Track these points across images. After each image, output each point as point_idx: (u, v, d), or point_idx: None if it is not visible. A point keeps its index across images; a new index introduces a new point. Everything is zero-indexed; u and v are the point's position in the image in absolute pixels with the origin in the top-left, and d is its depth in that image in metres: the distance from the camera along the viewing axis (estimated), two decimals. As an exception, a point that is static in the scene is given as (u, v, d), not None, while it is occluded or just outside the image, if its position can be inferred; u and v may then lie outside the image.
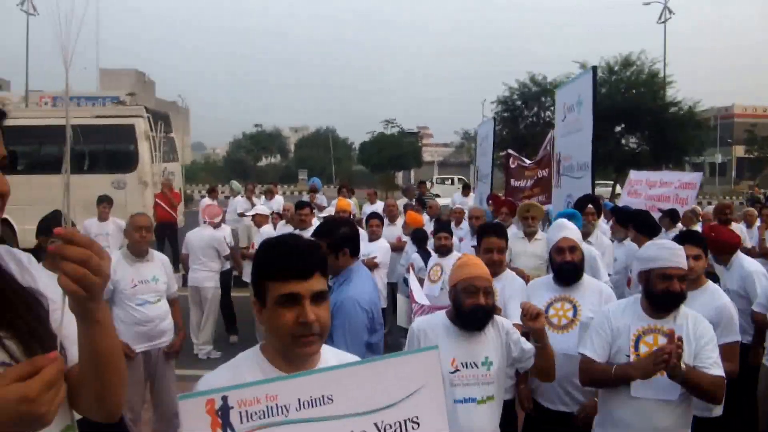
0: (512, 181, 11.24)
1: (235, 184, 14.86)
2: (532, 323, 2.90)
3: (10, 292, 1.29)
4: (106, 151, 14.86)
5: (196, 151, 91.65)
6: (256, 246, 8.05)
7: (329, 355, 1.84)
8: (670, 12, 39.49)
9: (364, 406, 1.53)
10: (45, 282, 1.41)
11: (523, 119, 30.32)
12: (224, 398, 1.43)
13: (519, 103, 30.03)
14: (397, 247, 7.90)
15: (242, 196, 13.50)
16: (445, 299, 5.58)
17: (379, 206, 12.02)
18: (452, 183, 39.39)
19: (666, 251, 3.10)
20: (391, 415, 1.55)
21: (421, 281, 6.12)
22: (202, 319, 7.93)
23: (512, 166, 11.41)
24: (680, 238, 3.94)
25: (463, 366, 2.97)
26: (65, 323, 1.36)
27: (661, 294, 3.03)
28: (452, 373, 2.96)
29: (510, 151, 12.54)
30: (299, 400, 1.49)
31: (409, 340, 3.22)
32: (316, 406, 1.50)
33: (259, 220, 8.59)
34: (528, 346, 3.03)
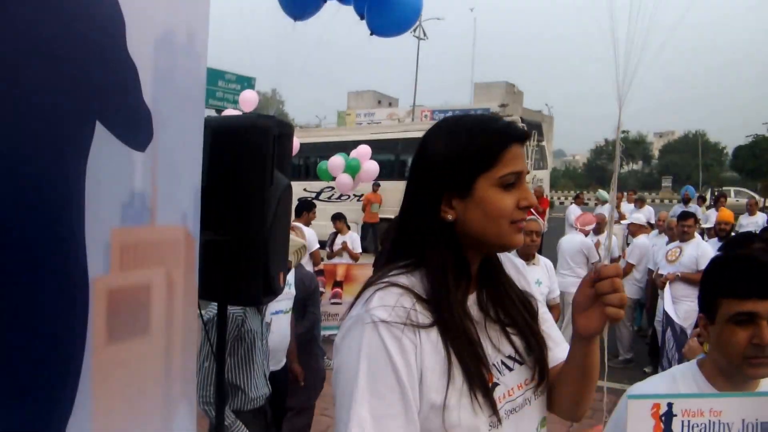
0: None
1: (602, 192, 14.65)
2: None
3: (513, 294, 1.46)
4: None
5: (556, 157, 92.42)
6: (628, 257, 7.90)
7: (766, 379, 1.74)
8: None
9: None
10: (534, 286, 1.59)
11: None
12: (669, 405, 1.47)
13: None
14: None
15: (609, 203, 13.26)
16: None
17: (760, 219, 10.64)
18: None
19: None
20: None
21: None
22: (563, 324, 8.00)
23: None
24: None
25: None
26: (549, 326, 1.55)
27: None
28: None
29: None
30: (743, 421, 1.46)
31: None
32: (760, 430, 1.46)
33: (633, 230, 8.34)
34: None
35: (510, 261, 1.54)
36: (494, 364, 1.33)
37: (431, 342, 1.23)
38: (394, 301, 1.22)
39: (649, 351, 7.35)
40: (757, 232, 6.91)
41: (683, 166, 52.23)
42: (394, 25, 3.95)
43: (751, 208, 11.22)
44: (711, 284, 1.74)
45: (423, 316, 1.24)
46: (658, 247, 7.58)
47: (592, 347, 1.36)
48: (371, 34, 3.92)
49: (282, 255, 2.67)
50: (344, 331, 1.26)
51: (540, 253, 12.02)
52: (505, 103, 21.28)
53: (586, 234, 8.11)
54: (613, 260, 8.35)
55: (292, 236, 3.90)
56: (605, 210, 12.77)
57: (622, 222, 9.89)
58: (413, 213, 1.34)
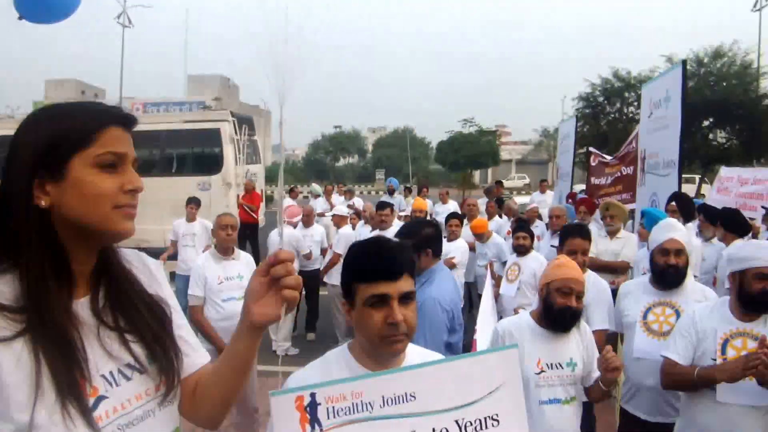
0: (593, 178, 10.97)
1: (315, 186, 15.13)
2: (608, 374, 2.82)
3: (138, 298, 1.37)
4: (194, 154, 15.50)
5: (276, 152, 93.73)
6: (335, 247, 8.22)
7: (413, 353, 1.86)
8: (766, -1, 37.57)
9: (445, 404, 1.55)
10: (169, 290, 1.49)
11: (605, 116, 29.45)
12: (312, 395, 1.48)
13: (601, 99, 29.19)
14: (474, 247, 7.87)
15: (321, 197, 13.78)
16: (521, 300, 5.55)
17: (451, 206, 11.96)
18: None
19: (765, 250, 2.95)
20: (472, 413, 1.57)
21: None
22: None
23: (593, 163, 11.14)
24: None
25: (548, 367, 2.98)
26: (186, 331, 1.48)
27: (758, 294, 2.88)
28: (538, 374, 2.97)
29: (591, 148, 12.21)
30: (383, 397, 1.52)
31: (492, 341, 3.23)
32: (399, 403, 1.53)
33: (337, 221, 8.70)
34: (595, 374, 2.99)
35: (143, 263, 1.46)
36: (104, 375, 1.24)
37: (14, 355, 1.11)
38: None
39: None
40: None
41: (395, 160, 56.48)
42: (44, 11, 3.56)
43: (442, 197, 12.64)
44: (348, 271, 1.80)
45: (1, 328, 1.12)
46: (364, 236, 7.99)
47: (258, 340, 1.36)
48: (20, 18, 3.49)
49: None
50: None
51: (256, 247, 11.98)
52: (219, 97, 20.85)
53: (295, 226, 8.26)
54: (323, 251, 8.62)
55: None
56: (317, 203, 13.24)
57: (327, 214, 10.29)
58: (5, 204, 1.21)
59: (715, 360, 2.90)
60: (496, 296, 5.99)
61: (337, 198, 13.98)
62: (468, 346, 5.29)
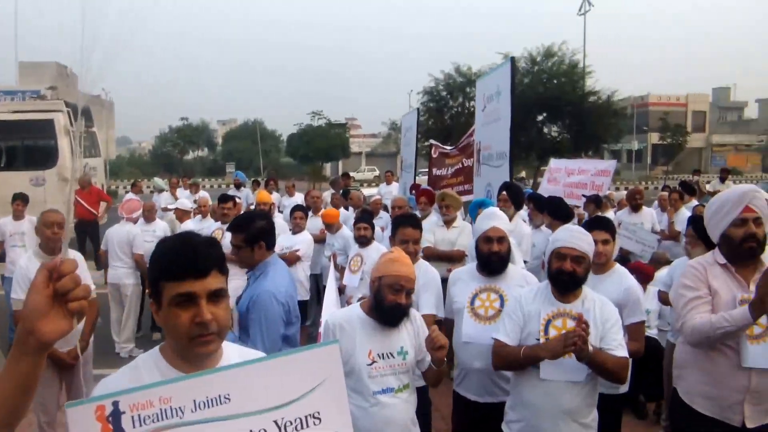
0: (434, 170, 11.36)
1: (158, 180, 14.47)
2: (435, 353, 2.92)
3: None
4: (25, 147, 14.47)
5: (122, 145, 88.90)
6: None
7: (232, 353, 1.80)
8: (590, 4, 41.09)
9: (263, 404, 1.51)
10: None
11: (449, 109, 30.70)
12: (115, 403, 1.40)
13: (444, 93, 30.37)
14: (320, 239, 7.89)
15: (166, 191, 13.24)
16: (364, 290, 5.63)
17: (297, 198, 11.98)
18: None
19: (565, 233, 3.21)
20: (292, 412, 1.54)
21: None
22: (123, 317, 7.73)
23: (434, 155, 11.55)
24: (589, 224, 4.07)
25: (379, 357, 3.01)
26: None
27: (554, 273, 3.13)
28: (369, 365, 2.99)
29: (432, 141, 12.68)
30: (195, 401, 1.46)
31: (324, 334, 3.23)
32: (212, 406, 1.47)
33: (179, 215, 8.38)
34: (429, 357, 3.08)
35: None
36: None
37: None
38: None
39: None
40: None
41: (246, 153, 55.28)
42: None
43: (289, 190, 12.66)
44: (153, 268, 1.70)
45: None
46: (207, 230, 7.77)
47: (45, 356, 1.30)
48: None
49: None
50: None
51: (97, 244, 11.27)
52: (54, 86, 19.34)
53: (135, 222, 7.85)
54: None
55: None
56: (162, 198, 12.69)
57: (170, 207, 9.90)
58: None
59: (539, 340, 3.10)
60: (342, 288, 6.05)
61: (182, 192, 13.48)
62: (315, 338, 5.29)
